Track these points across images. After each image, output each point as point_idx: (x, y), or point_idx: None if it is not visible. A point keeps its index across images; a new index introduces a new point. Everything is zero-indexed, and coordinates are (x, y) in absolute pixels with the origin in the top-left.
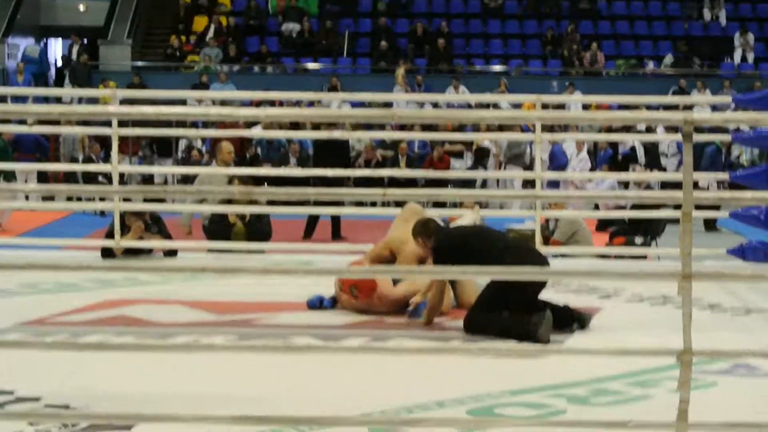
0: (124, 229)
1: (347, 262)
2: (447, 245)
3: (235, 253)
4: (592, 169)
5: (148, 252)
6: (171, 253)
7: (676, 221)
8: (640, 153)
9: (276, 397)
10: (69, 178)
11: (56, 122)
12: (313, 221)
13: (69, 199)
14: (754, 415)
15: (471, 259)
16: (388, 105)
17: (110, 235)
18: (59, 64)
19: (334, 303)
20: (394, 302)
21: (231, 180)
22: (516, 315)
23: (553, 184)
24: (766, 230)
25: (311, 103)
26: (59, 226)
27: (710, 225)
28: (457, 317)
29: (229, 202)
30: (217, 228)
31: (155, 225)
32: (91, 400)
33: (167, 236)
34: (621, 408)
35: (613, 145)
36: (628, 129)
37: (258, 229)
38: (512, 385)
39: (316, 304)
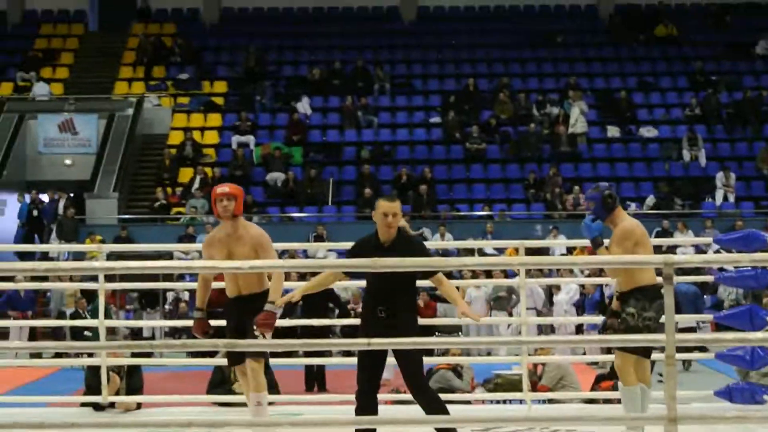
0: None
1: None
2: None
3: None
4: (581, 313)
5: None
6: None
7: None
8: None
9: None
10: (57, 332)
11: (44, 278)
12: (310, 372)
13: (57, 355)
14: None
15: None
16: None
17: (89, 389)
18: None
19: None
20: None
21: None
22: None
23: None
24: (753, 370)
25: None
26: (47, 382)
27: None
28: None
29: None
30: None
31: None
32: None
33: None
34: None
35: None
36: None
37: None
38: None
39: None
